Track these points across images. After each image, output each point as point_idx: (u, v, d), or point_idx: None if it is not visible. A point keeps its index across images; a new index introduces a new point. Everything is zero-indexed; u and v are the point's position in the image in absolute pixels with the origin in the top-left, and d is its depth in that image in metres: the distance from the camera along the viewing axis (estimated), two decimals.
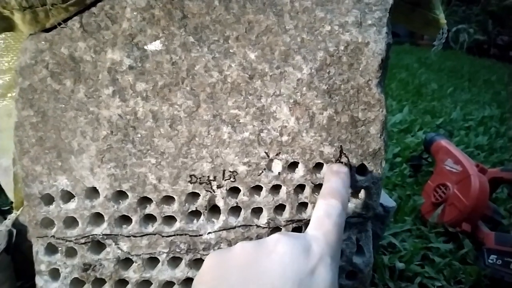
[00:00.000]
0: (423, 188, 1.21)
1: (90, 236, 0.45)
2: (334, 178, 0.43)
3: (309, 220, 0.47)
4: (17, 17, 0.39)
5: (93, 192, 0.44)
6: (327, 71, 0.43)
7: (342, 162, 0.46)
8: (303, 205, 0.48)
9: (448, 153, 1.18)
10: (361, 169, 0.47)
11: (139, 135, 0.43)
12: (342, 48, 0.43)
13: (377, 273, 0.85)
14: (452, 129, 1.71)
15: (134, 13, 0.41)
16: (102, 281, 0.46)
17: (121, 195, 0.45)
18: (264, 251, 0.34)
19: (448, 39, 5.88)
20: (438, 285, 0.88)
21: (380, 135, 0.46)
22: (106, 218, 0.44)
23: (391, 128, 1.79)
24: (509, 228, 1.11)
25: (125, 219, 0.45)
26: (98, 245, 0.46)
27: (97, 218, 0.45)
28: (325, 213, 0.38)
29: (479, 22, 5.86)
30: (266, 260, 0.33)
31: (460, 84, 3.13)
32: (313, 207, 0.47)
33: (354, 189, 0.47)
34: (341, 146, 0.45)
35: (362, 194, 0.48)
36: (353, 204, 0.48)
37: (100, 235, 0.45)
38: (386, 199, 0.79)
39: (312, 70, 0.43)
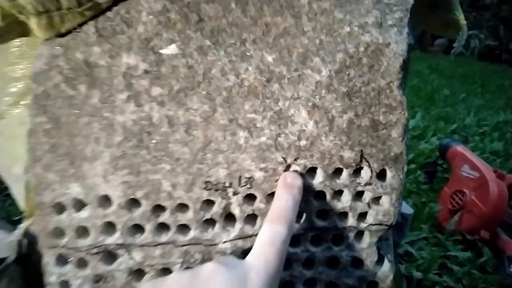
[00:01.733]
0: (439, 195, 1.19)
1: (103, 246, 0.43)
2: (285, 195, 0.41)
3: (329, 228, 0.46)
4: (32, 22, 0.38)
5: (106, 200, 0.43)
6: (347, 73, 0.42)
7: (297, 171, 0.44)
8: (322, 213, 0.46)
9: (465, 159, 1.16)
10: (382, 175, 0.45)
11: (154, 141, 0.42)
12: (362, 49, 0.42)
13: (394, 283, 0.82)
14: (466, 135, 1.68)
15: (150, 16, 0.40)
16: None
17: (134, 203, 0.43)
18: (198, 282, 0.33)
19: None
20: None
21: (402, 138, 0.44)
22: (119, 227, 0.43)
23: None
24: None
25: (138, 228, 0.44)
26: (110, 256, 0.44)
27: (110, 227, 0.44)
28: (270, 240, 0.37)
29: (490, 27, 5.82)
30: None
31: (472, 90, 3.09)
32: (333, 214, 0.45)
33: (375, 196, 0.46)
34: (361, 150, 0.44)
35: (383, 200, 0.46)
36: (374, 211, 0.46)
37: (112, 245, 0.43)
38: (404, 206, 0.77)
39: (331, 72, 0.42)
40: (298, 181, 0.42)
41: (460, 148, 1.22)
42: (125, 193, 0.42)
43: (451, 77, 3.69)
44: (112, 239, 0.44)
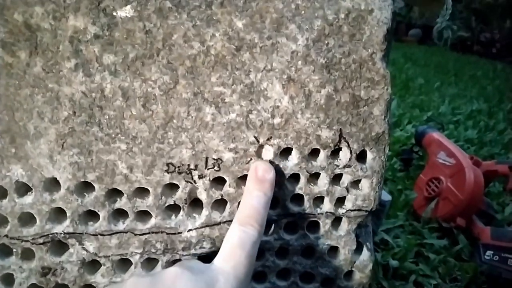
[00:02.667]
0: (415, 182, 1.18)
1: (50, 235, 0.38)
2: (256, 191, 0.37)
3: (304, 214, 0.42)
4: None
5: (53, 183, 0.38)
6: (326, 42, 0.38)
7: (270, 161, 0.40)
8: (297, 198, 0.42)
9: (441, 145, 1.15)
10: (362, 156, 0.42)
11: (107, 117, 0.37)
12: (342, 16, 0.37)
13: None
14: (442, 122, 1.68)
15: None
16: (65, 287, 0.40)
17: (86, 187, 0.38)
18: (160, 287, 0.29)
19: (431, 35, 5.93)
20: (433, 283, 0.84)
21: (385, 116, 0.40)
22: (68, 214, 0.38)
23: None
24: (503, 223, 1.08)
25: (91, 215, 0.39)
26: (59, 246, 0.39)
27: (58, 214, 0.38)
28: (239, 242, 0.34)
29: (462, 19, 5.90)
30: None
31: (446, 79, 3.12)
32: (309, 199, 0.41)
33: (355, 179, 0.42)
34: (340, 129, 0.40)
35: (363, 184, 0.43)
36: (353, 196, 0.42)
37: (61, 233, 0.38)
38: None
39: (309, 41, 0.37)
40: (270, 174, 0.38)
41: (436, 134, 1.21)
42: (74, 175, 0.37)
43: (426, 66, 3.71)
44: (61, 227, 0.38)
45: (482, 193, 1.01)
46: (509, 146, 1.63)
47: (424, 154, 1.31)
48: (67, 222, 0.38)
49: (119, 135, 0.37)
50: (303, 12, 0.37)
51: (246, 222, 0.36)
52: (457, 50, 5.37)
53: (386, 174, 1.28)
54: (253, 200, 0.37)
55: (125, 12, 0.35)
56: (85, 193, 0.38)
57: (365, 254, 0.45)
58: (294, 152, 0.40)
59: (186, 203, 0.40)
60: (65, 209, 0.38)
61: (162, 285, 0.30)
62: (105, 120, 0.37)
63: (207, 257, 0.42)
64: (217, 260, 0.34)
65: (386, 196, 0.75)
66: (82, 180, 0.38)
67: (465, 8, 6.01)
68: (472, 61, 4.51)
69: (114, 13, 0.35)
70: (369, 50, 0.38)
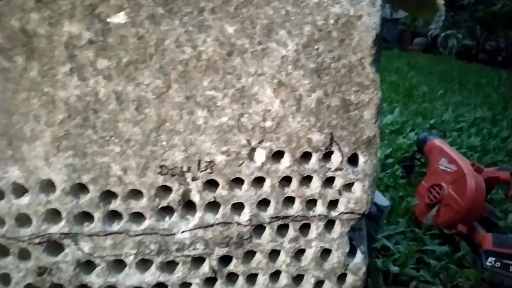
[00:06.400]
0: (417, 189, 1.17)
1: (46, 236, 0.39)
2: None
3: (297, 216, 0.42)
4: None
5: (48, 185, 0.39)
6: (315, 47, 0.38)
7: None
8: (289, 200, 0.42)
9: (442, 152, 1.14)
10: (353, 159, 0.42)
11: (101, 120, 0.37)
12: (331, 21, 0.38)
13: (370, 277, 0.80)
14: (444, 130, 1.68)
15: None
16: (60, 287, 0.40)
17: (81, 188, 0.39)
18: None
19: (437, 44, 5.93)
20: None
21: (375, 120, 0.41)
22: (64, 214, 0.39)
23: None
24: (505, 230, 1.07)
25: (86, 216, 0.40)
26: (55, 246, 0.40)
27: (54, 215, 0.39)
28: None
29: (467, 27, 5.90)
30: None
31: (450, 87, 3.11)
32: (301, 201, 0.42)
33: (347, 182, 0.42)
34: (331, 133, 0.41)
35: (355, 187, 0.43)
36: (345, 199, 0.43)
37: (57, 234, 0.39)
38: (380, 198, 0.74)
39: (298, 46, 0.38)
40: None
41: (437, 141, 1.20)
42: (69, 177, 0.38)
43: (430, 74, 3.70)
44: (57, 228, 0.39)
45: (483, 199, 1.00)
46: None
47: (426, 161, 1.30)
48: (63, 222, 0.39)
49: (113, 137, 0.38)
50: (293, 18, 0.38)
51: None
52: (462, 59, 5.36)
53: (388, 181, 1.28)
54: None
55: (119, 18, 0.36)
56: (80, 195, 0.39)
57: (359, 257, 0.45)
58: (286, 155, 0.41)
59: (179, 205, 0.41)
60: (60, 210, 0.39)
61: None
62: (99, 123, 0.38)
63: (201, 259, 0.42)
64: None
65: (385, 202, 0.75)
66: (77, 181, 0.38)
67: (469, 16, 6.01)
68: (476, 69, 4.50)
69: (108, 19, 0.36)
70: (358, 55, 0.39)
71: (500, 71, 4.35)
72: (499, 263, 0.87)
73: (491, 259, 0.88)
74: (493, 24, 5.72)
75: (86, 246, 0.40)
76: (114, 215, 0.40)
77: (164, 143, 0.38)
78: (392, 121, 1.88)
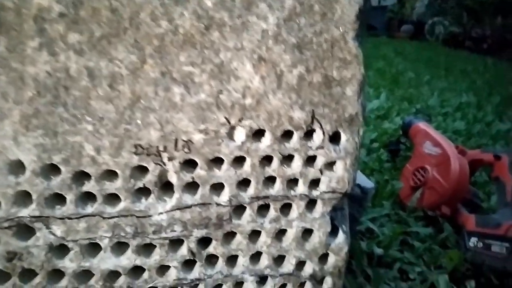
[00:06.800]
0: (401, 172, 1.17)
1: (16, 219, 0.37)
2: None
3: (277, 196, 0.41)
4: None
5: (18, 166, 0.37)
6: (297, 21, 0.37)
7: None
8: (270, 180, 0.41)
9: (427, 135, 1.14)
10: (335, 138, 0.41)
11: (72, 97, 0.36)
12: None
13: (354, 259, 0.80)
14: (430, 114, 1.68)
15: None
16: (32, 273, 0.39)
17: (52, 169, 0.37)
18: None
19: (424, 31, 5.95)
20: (418, 271, 0.84)
21: (357, 97, 0.40)
22: (34, 197, 0.37)
23: (368, 114, 1.75)
24: (488, 211, 1.08)
25: (58, 199, 0.38)
26: (25, 230, 0.38)
27: (24, 197, 0.38)
28: None
29: (454, 15, 5.93)
30: None
31: (436, 73, 3.13)
32: (282, 181, 0.41)
33: (328, 161, 0.41)
34: (313, 110, 0.39)
35: (337, 166, 0.42)
36: (327, 178, 0.42)
37: (27, 217, 0.38)
38: (364, 180, 0.74)
39: (279, 20, 0.37)
40: None
41: (422, 125, 1.20)
42: (40, 157, 0.36)
43: (416, 61, 3.72)
44: (27, 211, 0.38)
45: (467, 181, 1.01)
46: (497, 137, 1.64)
47: (411, 145, 1.30)
48: (33, 205, 0.37)
49: (85, 116, 0.36)
50: None
51: None
52: (448, 46, 5.39)
53: (373, 165, 1.28)
54: None
55: None
56: (51, 176, 0.37)
57: (341, 237, 0.45)
58: (266, 133, 0.40)
59: (156, 186, 0.39)
60: (31, 192, 0.37)
61: None
62: (71, 101, 0.36)
63: (179, 241, 0.41)
64: None
65: (369, 184, 0.74)
66: (48, 162, 0.37)
67: (456, 4, 6.03)
68: (463, 56, 4.53)
69: None
70: (341, 29, 0.38)
71: (486, 58, 4.39)
72: (482, 244, 0.87)
73: (473, 239, 0.89)
74: (480, 12, 5.75)
75: (58, 230, 0.38)
76: (88, 197, 0.39)
77: (138, 121, 0.37)
78: (378, 106, 1.89)
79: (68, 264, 0.39)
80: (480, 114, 1.95)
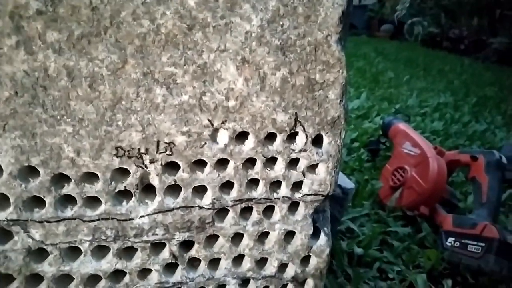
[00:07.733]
0: (381, 172, 1.19)
1: None
2: None
3: (260, 199, 0.41)
4: None
5: None
6: (280, 23, 0.37)
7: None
8: (253, 182, 0.41)
9: (406, 136, 1.16)
10: (318, 141, 0.41)
11: (51, 97, 0.35)
12: None
13: (335, 259, 0.81)
14: (409, 114, 1.71)
15: None
16: (10, 278, 0.38)
17: (30, 171, 0.36)
18: None
19: (403, 31, 6.04)
20: (397, 270, 0.85)
21: (340, 100, 0.40)
22: (12, 200, 0.36)
23: (349, 114, 1.77)
24: (465, 211, 1.11)
25: (37, 201, 0.37)
26: (3, 234, 0.37)
27: (1, 200, 0.36)
28: None
29: (432, 15, 6.03)
30: None
31: (415, 73, 3.18)
32: (265, 183, 0.41)
33: (311, 163, 0.41)
34: (296, 113, 0.39)
35: (319, 169, 0.42)
36: (309, 180, 0.42)
37: (4, 221, 0.37)
38: (344, 181, 0.74)
39: (263, 21, 0.37)
40: None
41: (402, 125, 1.22)
42: (17, 159, 0.35)
43: (396, 60, 3.77)
44: (5, 214, 0.37)
45: (445, 182, 1.03)
46: (474, 137, 1.67)
47: (391, 144, 1.32)
48: (11, 208, 0.36)
49: (65, 117, 0.35)
50: None
51: None
52: (427, 46, 5.49)
53: (353, 164, 1.29)
54: None
55: None
56: (29, 178, 0.37)
57: (323, 239, 0.45)
58: (250, 136, 0.40)
59: (137, 189, 0.39)
60: (8, 195, 0.36)
61: None
62: (49, 101, 0.35)
63: (161, 244, 0.41)
64: None
65: (350, 184, 0.75)
66: (26, 164, 0.36)
67: (435, 4, 6.13)
68: (440, 56, 4.61)
69: None
70: (324, 32, 0.38)
71: (463, 59, 4.48)
72: (458, 243, 0.89)
73: (450, 239, 0.91)
74: (457, 12, 5.86)
75: (37, 233, 0.37)
76: (67, 200, 0.38)
77: (119, 122, 0.36)
78: (358, 106, 1.91)
79: (47, 268, 0.38)
80: (457, 115, 1.99)
